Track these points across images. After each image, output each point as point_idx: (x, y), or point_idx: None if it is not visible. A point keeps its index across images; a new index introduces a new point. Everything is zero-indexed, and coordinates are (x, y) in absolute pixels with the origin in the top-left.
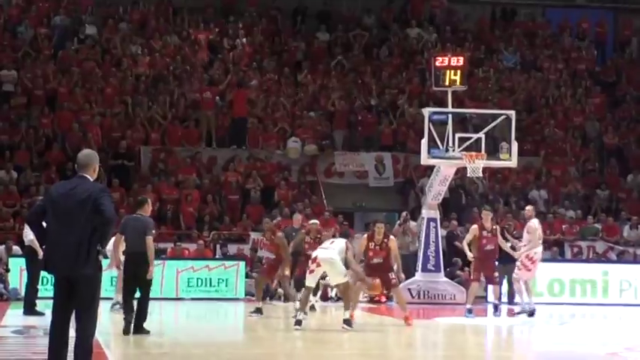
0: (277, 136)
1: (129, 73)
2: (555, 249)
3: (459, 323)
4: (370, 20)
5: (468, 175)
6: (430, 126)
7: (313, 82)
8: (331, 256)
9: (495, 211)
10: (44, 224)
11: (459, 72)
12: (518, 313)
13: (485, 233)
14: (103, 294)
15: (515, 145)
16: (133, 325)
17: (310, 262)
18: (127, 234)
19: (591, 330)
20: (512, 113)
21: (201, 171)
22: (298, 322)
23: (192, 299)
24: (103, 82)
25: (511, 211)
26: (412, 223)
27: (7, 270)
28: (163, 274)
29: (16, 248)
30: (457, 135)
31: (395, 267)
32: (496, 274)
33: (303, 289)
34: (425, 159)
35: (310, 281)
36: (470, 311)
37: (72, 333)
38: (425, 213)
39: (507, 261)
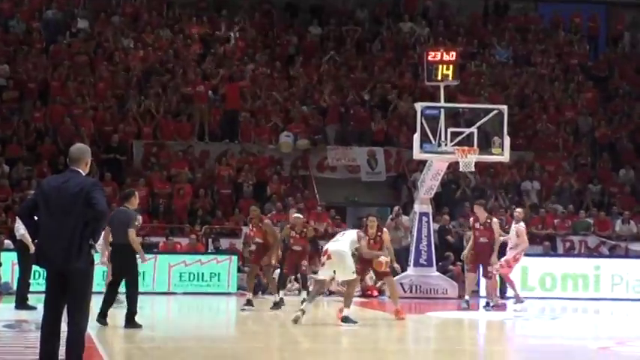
0: (270, 131)
1: (121, 66)
2: (547, 243)
3: (451, 317)
4: (363, 14)
5: (460, 169)
6: (422, 120)
7: (306, 76)
8: (342, 248)
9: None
10: (36, 218)
11: (451, 66)
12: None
13: (478, 226)
14: (94, 288)
15: (507, 140)
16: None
17: (322, 255)
18: (113, 226)
19: (583, 324)
20: (504, 108)
21: (193, 165)
22: (296, 319)
23: (184, 293)
24: (96, 76)
25: (503, 206)
26: (404, 218)
27: None
28: (155, 268)
29: (7, 242)
30: (449, 130)
31: (388, 258)
32: (489, 267)
33: (314, 282)
34: (417, 153)
35: (322, 274)
36: (467, 302)
37: (64, 327)
38: (417, 207)
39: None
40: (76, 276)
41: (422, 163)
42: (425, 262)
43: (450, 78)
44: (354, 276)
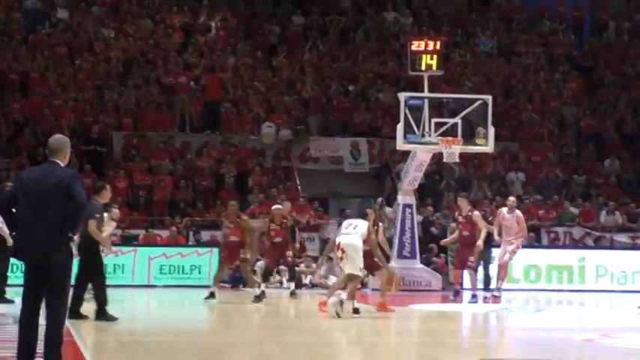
0: (251, 121)
1: (101, 57)
2: (532, 235)
3: (435, 310)
4: (346, 4)
5: (444, 160)
6: (406, 111)
7: (288, 66)
8: (356, 242)
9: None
10: (14, 211)
11: (435, 56)
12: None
13: (460, 219)
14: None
15: (491, 130)
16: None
17: (336, 249)
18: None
19: (568, 316)
20: (488, 98)
21: (174, 156)
22: (337, 314)
23: (165, 286)
24: (76, 67)
25: (487, 197)
26: (388, 209)
27: None
28: (135, 260)
29: None
30: (433, 120)
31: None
32: (471, 259)
33: (347, 277)
34: (401, 144)
35: (347, 268)
36: (456, 293)
37: (42, 321)
38: (401, 199)
39: (485, 247)
40: (56, 268)
41: (406, 154)
42: (408, 254)
43: (434, 68)
44: (361, 273)
